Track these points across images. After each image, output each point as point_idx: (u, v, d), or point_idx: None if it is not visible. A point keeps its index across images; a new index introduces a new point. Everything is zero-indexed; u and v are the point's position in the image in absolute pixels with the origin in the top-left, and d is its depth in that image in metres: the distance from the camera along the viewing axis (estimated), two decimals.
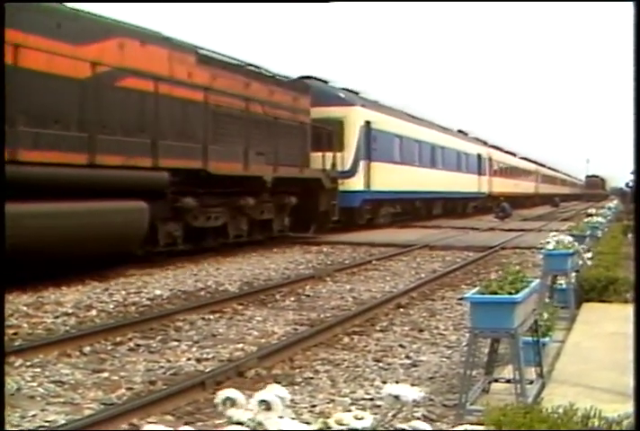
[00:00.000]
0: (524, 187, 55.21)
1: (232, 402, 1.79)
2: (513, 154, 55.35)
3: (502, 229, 26.12)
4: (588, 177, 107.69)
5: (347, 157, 22.71)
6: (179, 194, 13.99)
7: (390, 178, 25.27)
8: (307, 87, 20.60)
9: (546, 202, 61.74)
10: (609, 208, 25.04)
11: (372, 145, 24.08)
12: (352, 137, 23.14)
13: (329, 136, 20.94)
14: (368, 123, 23.96)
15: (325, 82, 23.70)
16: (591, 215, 16.88)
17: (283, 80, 19.16)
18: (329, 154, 20.59)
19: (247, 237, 16.96)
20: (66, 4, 11.95)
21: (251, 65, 17.43)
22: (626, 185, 31.67)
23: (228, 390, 1.84)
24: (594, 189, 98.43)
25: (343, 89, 24.57)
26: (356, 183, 22.93)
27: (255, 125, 16.53)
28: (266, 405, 1.78)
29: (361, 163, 23.34)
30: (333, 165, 20.85)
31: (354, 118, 23.26)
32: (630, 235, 15.28)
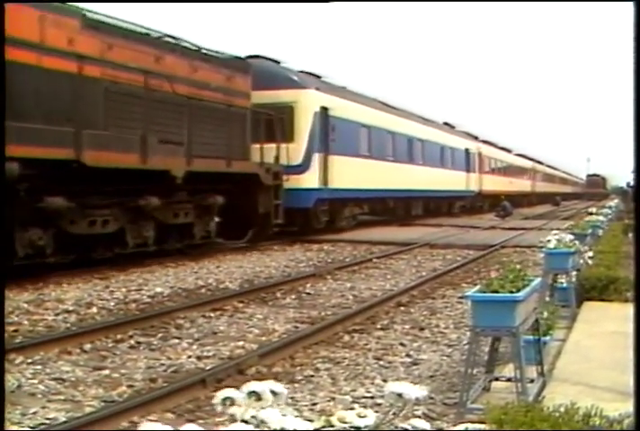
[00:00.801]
0: (519, 185, 52.21)
1: (232, 402, 1.79)
2: (508, 151, 52.67)
3: (503, 228, 26.11)
4: (589, 176, 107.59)
5: (298, 149, 19.20)
6: (44, 192, 10.96)
7: (354, 174, 21.93)
8: (247, 66, 17.10)
9: (544, 201, 61.22)
10: (610, 207, 25.04)
11: (330, 136, 20.57)
12: (304, 126, 19.58)
13: (275, 124, 17.69)
14: (325, 109, 20.37)
15: (277, 62, 20.37)
16: (591, 213, 16.88)
17: (213, 56, 15.71)
18: (269, 146, 17.14)
19: (156, 246, 13.86)
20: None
21: (168, 35, 14.26)
22: (627, 185, 31.70)
23: (227, 390, 1.83)
24: (595, 188, 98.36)
25: (301, 72, 21.07)
26: (309, 180, 19.47)
27: (164, 107, 13.30)
28: (256, 396, 1.79)
29: (316, 157, 19.79)
30: (277, 158, 17.60)
31: (306, 103, 19.72)
32: (631, 234, 15.29)
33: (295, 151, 18.97)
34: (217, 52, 15.87)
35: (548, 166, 76.30)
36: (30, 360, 6.50)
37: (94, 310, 9.13)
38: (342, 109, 21.54)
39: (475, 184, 38.62)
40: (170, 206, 13.97)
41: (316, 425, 1.78)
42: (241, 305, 9.62)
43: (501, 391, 4.86)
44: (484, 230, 25.36)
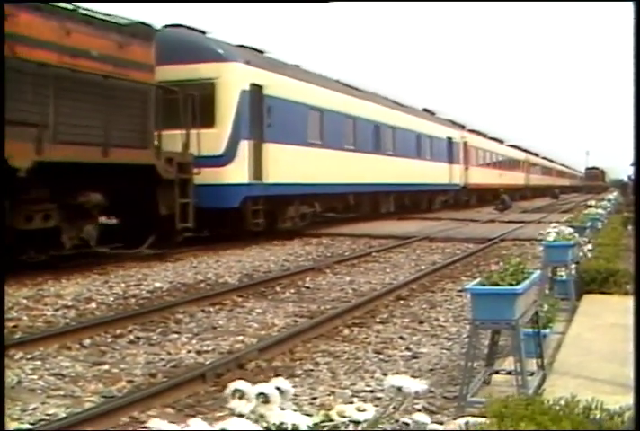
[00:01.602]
0: (511, 178, 48.58)
1: (240, 394, 1.78)
2: (500, 141, 49.35)
3: (502, 221, 26.13)
4: (588, 169, 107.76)
5: (219, 136, 15.75)
6: None
7: (300, 166, 18.45)
8: (150, 33, 13.70)
9: (539, 195, 60.63)
10: (609, 200, 25.04)
11: (266, 120, 17.02)
12: (228, 107, 16.00)
13: (184, 103, 14.16)
14: (258, 87, 16.80)
15: (203, 32, 17.02)
16: (590, 206, 16.88)
17: (98, 18, 12.38)
18: (169, 132, 13.74)
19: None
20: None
21: None
22: (629, 178, 31.70)
23: (239, 382, 1.82)
24: (594, 180, 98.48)
25: (240, 46, 17.80)
26: (234, 173, 15.90)
27: (7, 77, 10.03)
28: (264, 398, 1.77)
29: (244, 145, 16.18)
30: (186, 146, 14.17)
31: (231, 79, 16.12)
32: (630, 227, 15.30)
33: (216, 138, 15.59)
34: (105, 15, 12.63)
35: (544, 158, 74.21)
36: (29, 356, 6.49)
37: (94, 305, 9.12)
38: (282, 87, 17.87)
39: (460, 177, 35.24)
40: (18, 206, 10.82)
41: (315, 419, 1.77)
42: (240, 300, 9.61)
43: (501, 385, 4.86)
44: (483, 223, 25.36)
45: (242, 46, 17.90)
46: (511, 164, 50.73)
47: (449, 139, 34.12)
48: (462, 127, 38.36)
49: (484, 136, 43.97)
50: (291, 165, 18.00)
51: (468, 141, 37.46)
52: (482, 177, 39.32)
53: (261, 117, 16.88)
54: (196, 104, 14.38)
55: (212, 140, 15.24)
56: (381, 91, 27.59)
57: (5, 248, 10.05)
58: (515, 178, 51.24)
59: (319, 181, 19.48)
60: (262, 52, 18.70)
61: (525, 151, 59.99)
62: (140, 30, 13.30)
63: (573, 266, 8.27)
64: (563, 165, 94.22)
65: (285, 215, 18.50)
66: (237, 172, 16.03)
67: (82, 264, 12.24)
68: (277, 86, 17.59)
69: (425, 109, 33.83)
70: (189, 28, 16.81)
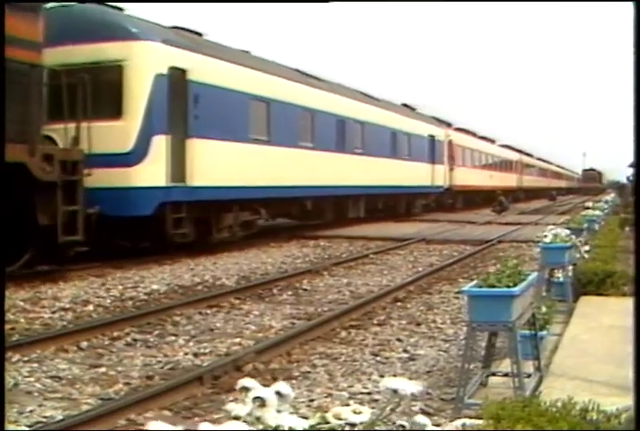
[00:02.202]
0: (502, 179, 45.71)
1: (249, 392, 1.78)
2: (491, 141, 46.94)
3: (499, 223, 26.15)
4: (585, 170, 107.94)
5: (127, 129, 13.07)
6: None
7: (238, 166, 15.70)
8: (35, 6, 11.24)
9: (533, 197, 60.17)
10: (606, 202, 25.09)
11: (192, 111, 14.18)
12: (139, 94, 13.22)
13: (70, 89, 11.68)
14: (181, 72, 14.00)
15: (120, 9, 14.17)
16: (588, 208, 16.91)
17: None
18: (64, 126, 11.72)
19: None
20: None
21: None
22: (628, 179, 31.68)
23: (247, 379, 1.82)
24: (591, 182, 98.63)
25: (175, 27, 15.31)
26: (145, 174, 13.15)
27: None
28: (261, 401, 1.78)
29: (159, 140, 13.36)
30: (76, 140, 11.78)
31: (143, 61, 13.39)
32: (627, 228, 15.33)
33: (122, 132, 13.02)
34: None
35: (540, 159, 72.53)
36: (26, 358, 6.48)
37: (91, 307, 9.12)
38: (214, 73, 15.06)
39: (444, 178, 32.57)
40: None
41: (312, 421, 1.77)
42: (237, 302, 9.61)
43: (498, 386, 4.86)
44: (481, 225, 25.38)
45: (176, 27, 15.44)
46: (502, 165, 48.42)
47: (432, 137, 31.14)
48: (448, 124, 35.83)
49: (473, 134, 41.68)
50: (227, 165, 15.29)
51: (454, 139, 34.85)
52: (469, 178, 36.80)
53: (184, 107, 14.11)
54: (87, 90, 11.99)
55: (118, 135, 12.89)
56: (366, 86, 25.49)
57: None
58: (507, 179, 48.55)
59: (265, 184, 16.68)
60: (200, 34, 16.15)
61: (519, 151, 58.21)
62: (23, 3, 10.90)
63: (570, 267, 8.28)
64: (559, 166, 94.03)
65: (221, 223, 15.65)
66: (150, 173, 13.26)
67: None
68: (207, 71, 14.75)
69: (405, 105, 30.73)
70: (100, 3, 14.18)
